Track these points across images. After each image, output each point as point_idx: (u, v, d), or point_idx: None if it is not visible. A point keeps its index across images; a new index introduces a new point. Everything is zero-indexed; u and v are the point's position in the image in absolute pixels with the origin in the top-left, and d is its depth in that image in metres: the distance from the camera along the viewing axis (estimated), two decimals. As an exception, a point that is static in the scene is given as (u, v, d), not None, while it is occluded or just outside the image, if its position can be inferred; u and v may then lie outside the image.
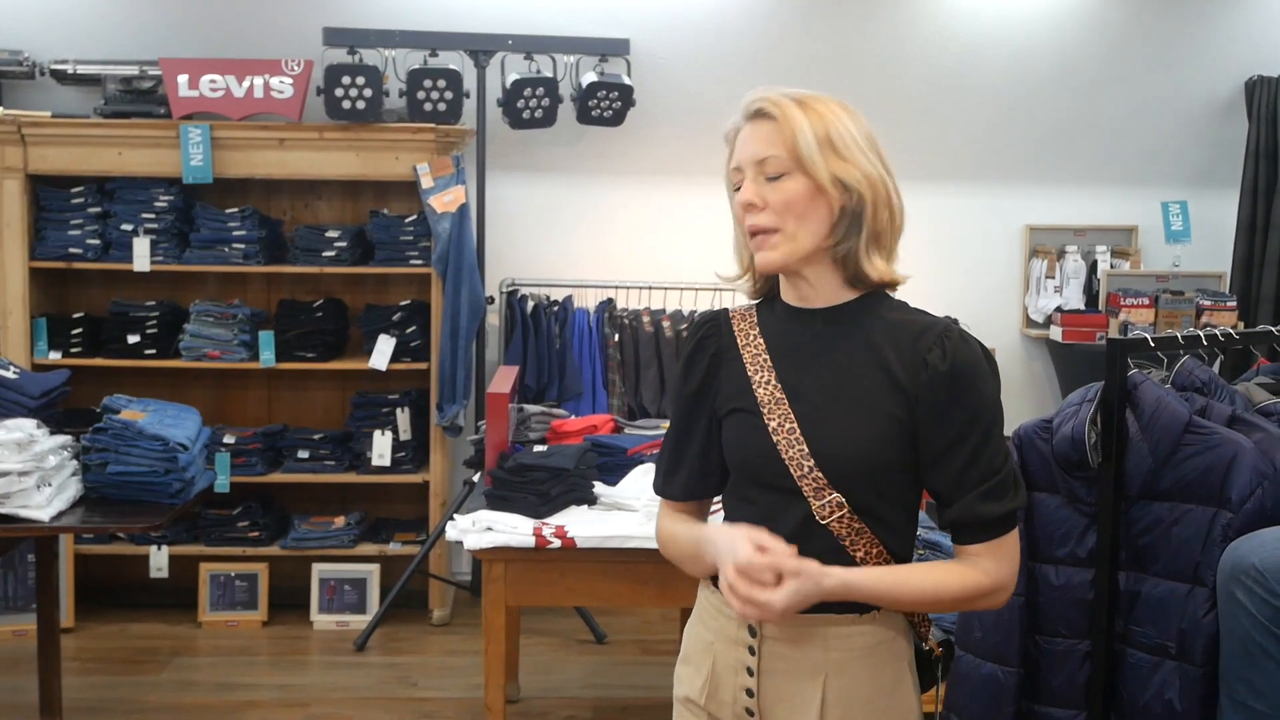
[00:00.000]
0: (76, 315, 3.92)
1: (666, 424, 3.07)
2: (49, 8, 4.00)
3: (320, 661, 3.66)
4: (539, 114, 3.92)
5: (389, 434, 3.94)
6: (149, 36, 3.98)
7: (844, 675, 1.36)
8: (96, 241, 3.83)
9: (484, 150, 4.01)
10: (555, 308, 4.07)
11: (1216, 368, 2.24)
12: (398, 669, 3.59)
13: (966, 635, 2.18)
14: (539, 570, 2.53)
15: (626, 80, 3.95)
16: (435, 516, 3.93)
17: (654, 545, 2.47)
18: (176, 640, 3.78)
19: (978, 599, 1.34)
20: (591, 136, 4.16)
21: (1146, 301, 4.06)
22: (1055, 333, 4.20)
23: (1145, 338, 2.05)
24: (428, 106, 3.76)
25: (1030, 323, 4.39)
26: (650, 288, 4.12)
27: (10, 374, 2.84)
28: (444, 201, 3.81)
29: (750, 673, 1.38)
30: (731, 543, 1.29)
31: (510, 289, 4.11)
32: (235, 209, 3.87)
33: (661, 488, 1.50)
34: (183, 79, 3.76)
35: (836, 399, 1.34)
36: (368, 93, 3.71)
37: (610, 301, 4.13)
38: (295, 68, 3.80)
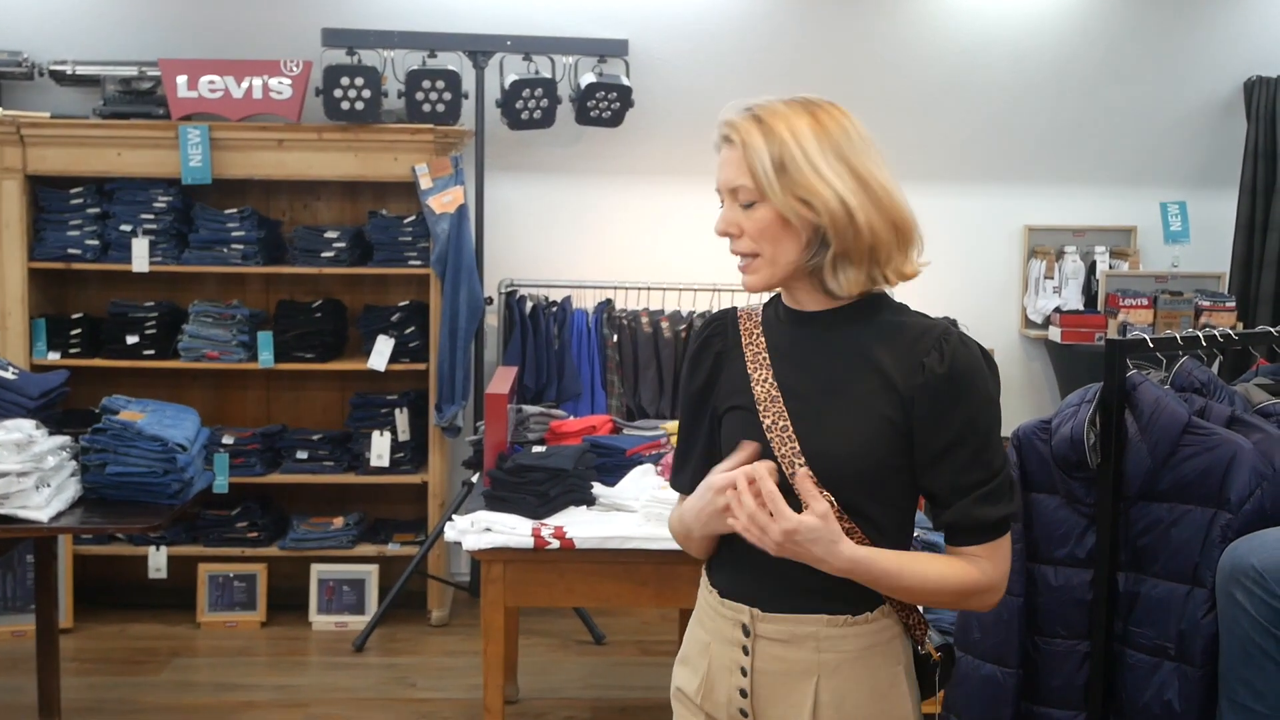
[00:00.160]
0: (75, 316, 3.91)
1: (665, 425, 3.09)
2: (48, 8, 4.00)
3: (319, 662, 3.66)
4: (538, 115, 3.92)
5: (388, 434, 3.93)
6: (148, 37, 3.98)
7: (837, 676, 1.36)
8: (95, 242, 3.82)
9: (483, 151, 4.01)
10: (554, 308, 4.07)
11: (1215, 368, 2.24)
12: (396, 669, 3.59)
13: (966, 636, 2.18)
14: (538, 571, 2.53)
15: (625, 81, 3.95)
16: (434, 517, 3.93)
17: (652, 546, 2.48)
18: (175, 641, 3.78)
19: (972, 597, 1.35)
20: (590, 137, 4.16)
21: (1145, 302, 4.06)
22: (1054, 333, 4.20)
23: (1144, 338, 2.05)
24: (426, 107, 3.76)
25: (1029, 323, 4.39)
26: (649, 288, 4.12)
27: (9, 374, 2.84)
28: (443, 202, 3.81)
29: (744, 673, 1.38)
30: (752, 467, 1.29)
31: (509, 290, 4.11)
32: (234, 210, 3.87)
33: (673, 481, 1.54)
34: (181, 80, 3.76)
35: (830, 399, 1.35)
36: (366, 93, 3.71)
37: (609, 302, 4.13)
38: (294, 68, 3.80)
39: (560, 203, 4.24)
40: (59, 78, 3.85)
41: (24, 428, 2.62)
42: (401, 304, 3.99)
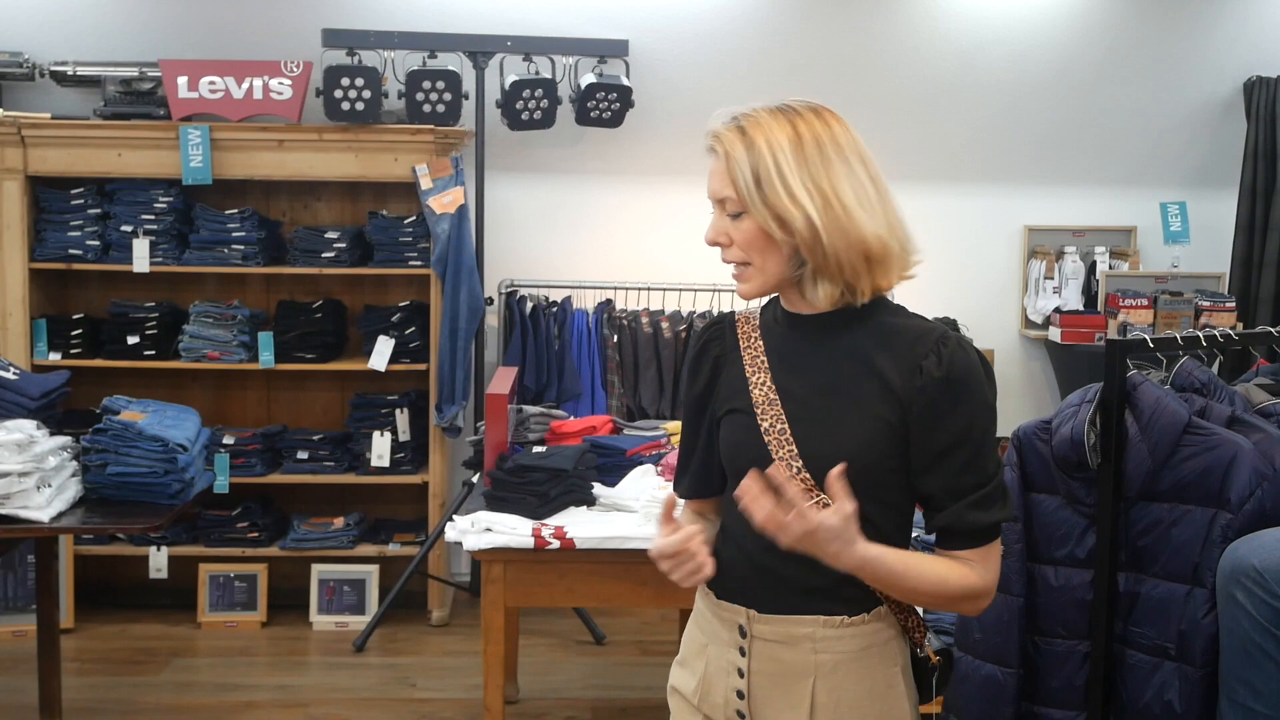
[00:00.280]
0: (76, 316, 3.92)
1: (666, 425, 3.09)
2: (49, 9, 4.00)
3: (319, 662, 3.66)
4: (538, 115, 3.92)
5: (388, 435, 3.94)
6: (148, 38, 3.99)
7: (833, 677, 1.36)
8: (96, 243, 3.83)
9: (483, 151, 4.01)
10: (554, 309, 4.07)
11: (1215, 368, 2.24)
12: (397, 670, 3.59)
13: (966, 636, 2.18)
14: (538, 571, 2.53)
15: (625, 81, 3.95)
16: (434, 517, 3.93)
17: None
18: (176, 641, 3.78)
19: (966, 600, 1.35)
20: (590, 138, 4.16)
21: (1145, 302, 4.06)
22: (1054, 333, 4.20)
23: (1144, 338, 2.05)
24: (426, 108, 3.77)
25: (1029, 323, 4.39)
26: (649, 289, 4.12)
27: (10, 375, 2.84)
28: (443, 203, 3.81)
29: (741, 674, 1.39)
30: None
31: (509, 290, 4.12)
32: (234, 210, 3.87)
33: (675, 487, 1.55)
34: (182, 80, 3.76)
35: (827, 402, 1.35)
36: (367, 94, 3.71)
37: (609, 302, 4.13)
38: (294, 69, 3.80)
39: (560, 203, 4.24)
40: (60, 78, 3.85)
41: (25, 428, 2.63)
42: (402, 304, 3.99)
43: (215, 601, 3.91)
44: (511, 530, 2.51)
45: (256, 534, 3.94)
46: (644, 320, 4.08)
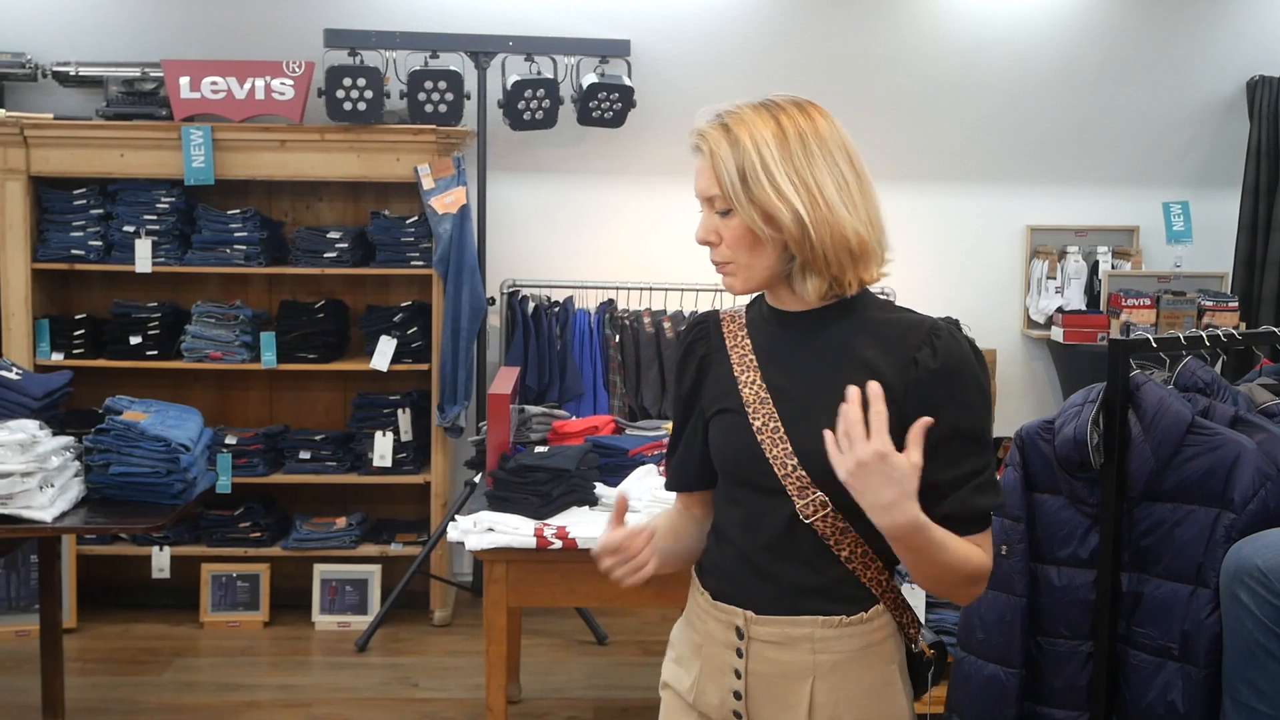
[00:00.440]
0: (79, 316, 3.92)
1: (668, 425, 3.09)
2: (51, 10, 4.01)
3: (322, 662, 3.66)
4: (539, 115, 3.92)
5: (390, 435, 3.94)
6: (150, 39, 3.99)
7: (832, 677, 1.36)
8: (98, 243, 3.83)
9: (485, 151, 4.01)
10: (556, 309, 4.07)
11: (1218, 368, 2.24)
12: (399, 670, 3.59)
13: (969, 637, 2.18)
14: (540, 571, 2.53)
15: (627, 81, 3.95)
16: (436, 517, 3.93)
17: (655, 546, 2.48)
18: (178, 641, 3.78)
19: (976, 583, 1.35)
20: (592, 138, 4.16)
21: (1148, 302, 4.06)
22: (1056, 333, 4.19)
23: (1147, 338, 2.05)
24: (428, 108, 3.77)
25: (1031, 323, 4.38)
26: (651, 288, 4.12)
27: (13, 375, 2.84)
28: (445, 203, 3.81)
29: (738, 675, 1.38)
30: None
31: (511, 290, 4.12)
32: (237, 210, 3.87)
33: (666, 482, 1.56)
34: (184, 81, 3.76)
35: (819, 399, 1.34)
36: (369, 94, 3.71)
37: (611, 302, 4.13)
38: (296, 69, 3.80)
39: (562, 203, 4.24)
40: (62, 79, 3.85)
41: (28, 428, 2.63)
42: (404, 304, 3.99)
43: (217, 601, 3.92)
44: (514, 530, 2.51)
45: (259, 534, 3.94)
46: (646, 320, 4.08)
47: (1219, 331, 2.12)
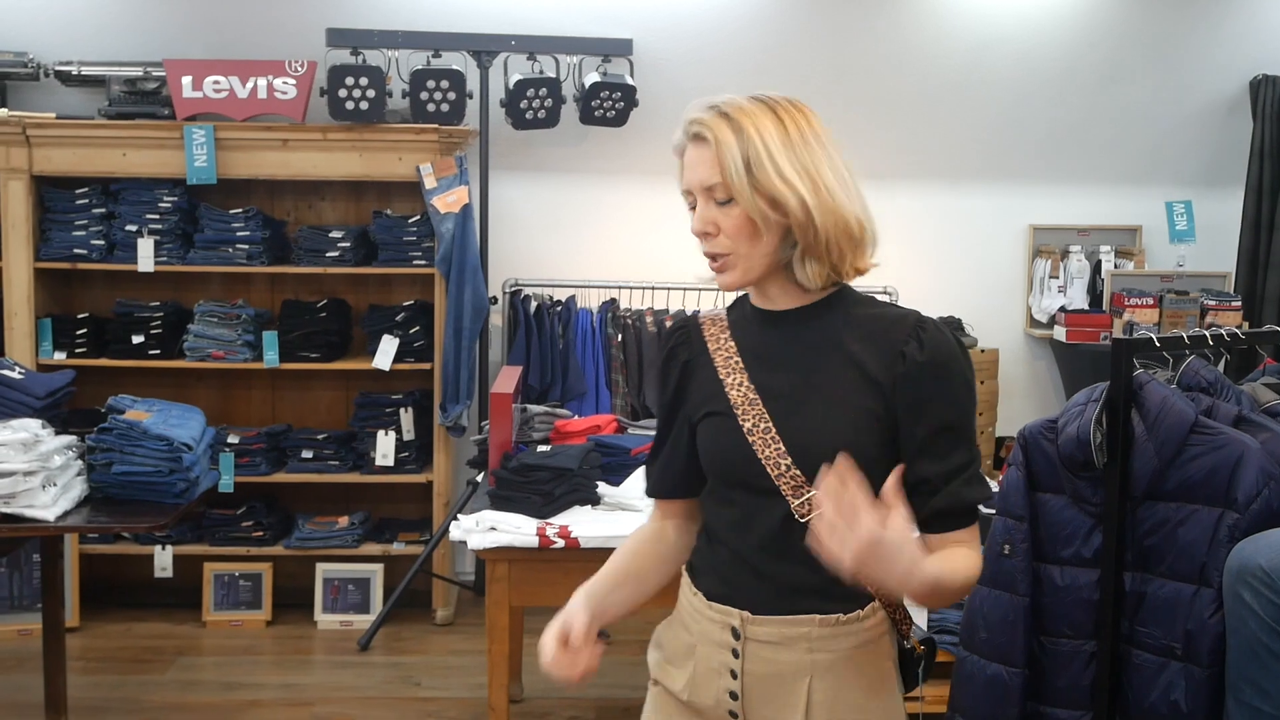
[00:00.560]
0: (81, 316, 3.92)
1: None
2: (53, 9, 4.01)
3: (324, 661, 3.66)
4: (542, 114, 3.92)
5: (392, 434, 3.94)
6: (153, 38, 3.99)
7: (829, 676, 1.36)
8: (101, 242, 3.83)
9: (487, 150, 4.01)
10: (558, 308, 4.07)
11: (1222, 368, 2.23)
12: (401, 669, 3.59)
13: (971, 636, 2.18)
14: (542, 570, 2.53)
15: (629, 80, 3.95)
16: (439, 516, 3.93)
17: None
18: (181, 640, 3.79)
19: (965, 585, 1.34)
20: (594, 137, 4.16)
21: (1151, 301, 4.06)
22: (1059, 333, 4.19)
23: (1151, 337, 2.05)
24: (431, 107, 3.77)
25: (1034, 323, 4.38)
26: (653, 288, 4.12)
27: (15, 374, 2.84)
28: (447, 202, 3.81)
29: (734, 675, 1.38)
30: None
31: (513, 289, 4.12)
32: (239, 209, 3.87)
33: (645, 486, 1.56)
34: (186, 80, 3.76)
35: (810, 396, 1.35)
36: (371, 93, 3.71)
37: (613, 301, 4.13)
38: (298, 68, 3.80)
39: (564, 202, 4.24)
40: (64, 78, 3.86)
41: (30, 427, 2.63)
42: (406, 304, 3.99)
43: (220, 600, 3.92)
44: (516, 529, 2.51)
45: (261, 533, 3.94)
46: (648, 319, 4.08)
47: (1222, 331, 2.12)
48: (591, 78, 3.94)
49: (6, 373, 2.82)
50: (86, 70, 3.84)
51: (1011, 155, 4.35)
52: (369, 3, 4.05)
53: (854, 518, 1.16)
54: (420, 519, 4.11)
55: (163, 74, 3.80)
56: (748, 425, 1.35)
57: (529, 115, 3.91)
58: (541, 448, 2.78)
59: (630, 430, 3.10)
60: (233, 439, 3.89)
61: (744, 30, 4.17)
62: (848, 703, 1.36)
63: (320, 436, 3.98)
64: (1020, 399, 4.38)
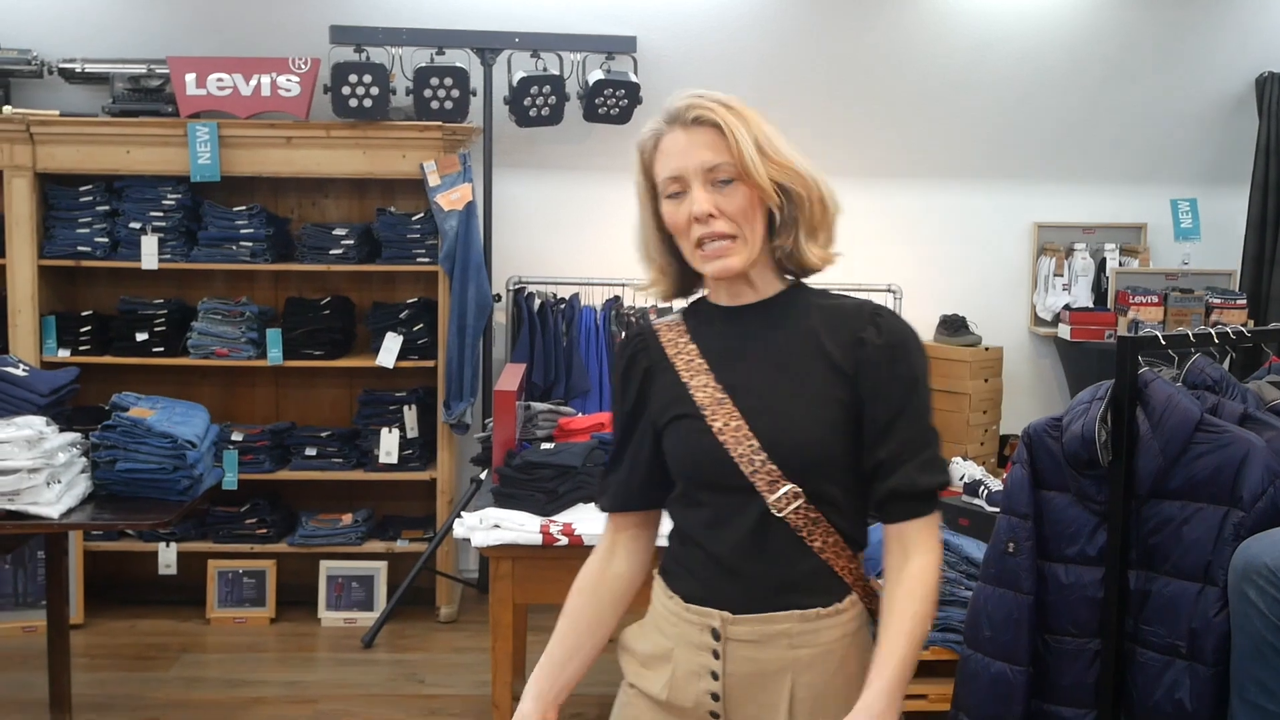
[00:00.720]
0: (85, 313, 3.93)
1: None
2: (57, 7, 4.01)
3: (328, 658, 3.66)
4: (545, 112, 3.92)
5: (396, 432, 3.94)
6: (156, 35, 3.99)
7: (811, 671, 1.36)
8: (105, 240, 3.84)
9: (490, 148, 4.01)
10: (562, 305, 4.07)
11: (1227, 366, 2.23)
12: (405, 666, 3.59)
13: (976, 634, 2.17)
14: (546, 568, 2.53)
15: (633, 78, 3.95)
16: (443, 514, 3.93)
17: (660, 543, 2.47)
18: (185, 636, 3.79)
19: (935, 591, 1.36)
20: (598, 134, 4.16)
21: (1155, 299, 4.05)
22: (1063, 331, 4.18)
23: (1156, 335, 2.04)
24: (434, 104, 3.76)
25: (1038, 320, 4.37)
26: (657, 285, 4.11)
27: (19, 372, 2.85)
28: (451, 199, 3.81)
29: (715, 676, 1.38)
30: None
31: (517, 286, 4.11)
32: (243, 207, 3.88)
33: (599, 500, 1.54)
34: (190, 77, 3.76)
35: (780, 390, 1.35)
36: (374, 91, 3.71)
37: (617, 299, 4.12)
38: (302, 66, 3.80)
39: (568, 199, 4.23)
40: (68, 76, 3.86)
41: (34, 424, 2.63)
42: (410, 301, 3.99)
43: (224, 597, 3.92)
44: (520, 527, 2.51)
45: (265, 530, 3.95)
46: (652, 317, 4.07)
47: (1228, 329, 2.11)
48: (595, 75, 3.93)
49: (11, 370, 2.82)
50: (90, 67, 3.84)
51: (1016, 153, 4.34)
52: (372, 0, 4.05)
53: None
54: (424, 516, 4.11)
55: (166, 71, 3.80)
56: (718, 425, 1.35)
57: (533, 112, 3.91)
58: (545, 445, 2.77)
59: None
60: (236, 436, 3.89)
61: (747, 28, 4.16)
62: (832, 696, 1.36)
63: (324, 434, 3.99)
64: (1025, 397, 4.37)
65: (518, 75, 3.87)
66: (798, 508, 1.33)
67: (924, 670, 2.69)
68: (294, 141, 3.79)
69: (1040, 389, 4.44)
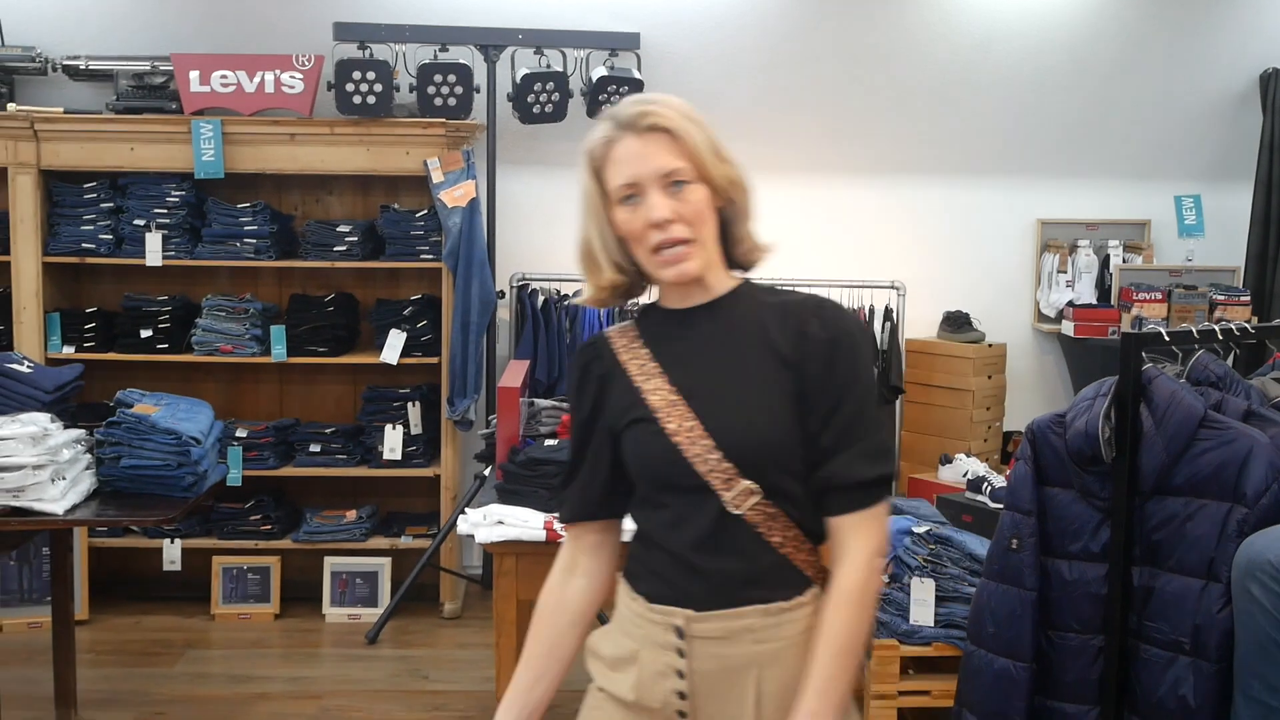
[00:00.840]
0: (90, 310, 3.93)
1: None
2: (61, 5, 4.02)
3: (332, 654, 3.67)
4: (549, 109, 3.92)
5: (400, 428, 3.95)
6: (160, 32, 4.00)
7: (776, 665, 1.36)
8: (109, 236, 3.84)
9: (494, 145, 4.01)
10: (565, 302, 4.07)
11: (1231, 362, 2.23)
12: (409, 662, 3.60)
13: (979, 630, 2.18)
14: (550, 564, 2.50)
15: (637, 74, 3.95)
16: (446, 510, 3.94)
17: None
18: (190, 632, 3.80)
19: (873, 589, 1.36)
20: (602, 131, 4.15)
21: (1159, 296, 4.04)
22: (1067, 327, 4.18)
23: (1160, 332, 2.04)
24: (438, 101, 3.77)
25: (1042, 317, 4.37)
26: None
27: (24, 368, 2.85)
28: (454, 196, 3.81)
29: (681, 675, 1.38)
30: None
31: (520, 283, 4.12)
32: (247, 204, 3.88)
33: (560, 512, 1.55)
34: (194, 74, 3.77)
35: (732, 389, 1.37)
36: (378, 88, 3.71)
37: (620, 296, 4.12)
38: (306, 63, 3.80)
39: (572, 196, 4.12)
40: (72, 73, 3.87)
41: (39, 421, 2.64)
42: (413, 298, 4.00)
43: (228, 593, 3.93)
44: (523, 523, 2.51)
45: (269, 526, 3.96)
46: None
47: (1231, 325, 2.11)
48: (599, 72, 3.93)
49: (15, 366, 2.83)
50: (94, 65, 3.85)
51: (1020, 149, 4.34)
52: (376, -3, 4.06)
53: None
54: (428, 513, 4.12)
55: (170, 68, 3.81)
56: (672, 427, 1.36)
57: (536, 109, 3.91)
58: (549, 441, 2.78)
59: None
60: (241, 433, 3.90)
61: (751, 25, 4.16)
62: (797, 689, 1.36)
63: (328, 430, 3.99)
64: (1028, 394, 4.37)
65: (521, 72, 3.87)
66: (755, 504, 1.35)
67: (927, 666, 2.70)
68: (298, 138, 3.79)
69: (1044, 386, 4.44)
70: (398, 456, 3.94)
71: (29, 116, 3.71)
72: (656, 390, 1.38)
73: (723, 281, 1.42)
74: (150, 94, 3.83)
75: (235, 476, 3.80)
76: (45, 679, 3.09)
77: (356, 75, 3.70)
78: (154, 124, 3.76)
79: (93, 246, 3.83)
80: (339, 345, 3.96)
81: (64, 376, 2.91)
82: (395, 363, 3.89)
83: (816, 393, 1.35)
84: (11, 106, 3.76)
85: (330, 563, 3.94)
